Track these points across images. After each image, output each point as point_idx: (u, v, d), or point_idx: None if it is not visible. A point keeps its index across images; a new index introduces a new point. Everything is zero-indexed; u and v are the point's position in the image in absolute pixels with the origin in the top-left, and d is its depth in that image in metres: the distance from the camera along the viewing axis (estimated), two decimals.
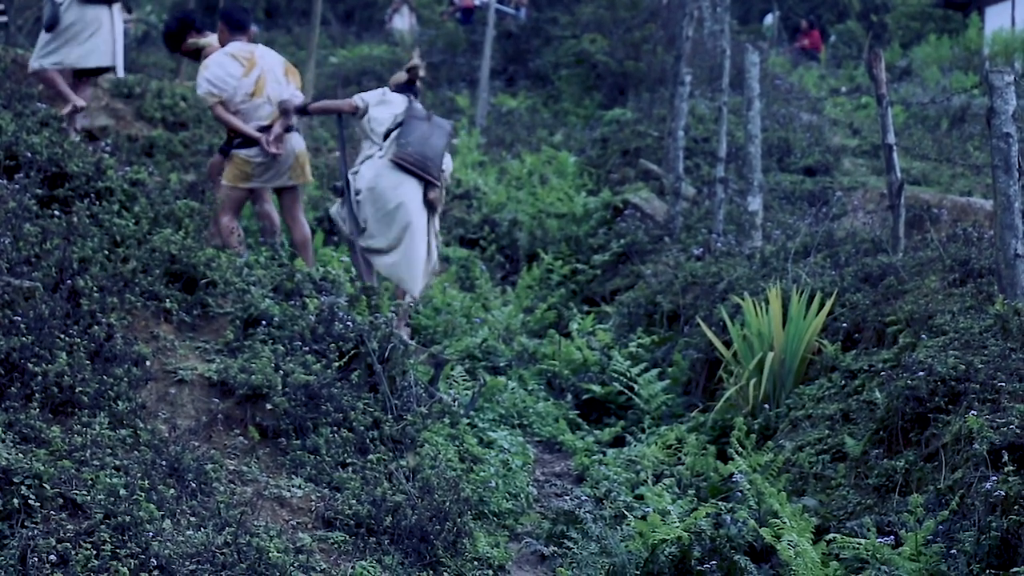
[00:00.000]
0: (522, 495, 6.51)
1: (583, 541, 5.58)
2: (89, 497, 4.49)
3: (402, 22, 24.34)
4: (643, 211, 12.69)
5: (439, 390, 7.23)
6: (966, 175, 12.72)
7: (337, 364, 6.27)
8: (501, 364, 8.89)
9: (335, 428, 5.86)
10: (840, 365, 7.01)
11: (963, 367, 5.62)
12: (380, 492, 5.38)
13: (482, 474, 6.38)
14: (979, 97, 15.58)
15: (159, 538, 4.38)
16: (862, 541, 4.81)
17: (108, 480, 4.58)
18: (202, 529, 4.62)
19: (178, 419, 5.61)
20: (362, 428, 5.94)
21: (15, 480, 4.36)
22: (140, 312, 6.12)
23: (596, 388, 8.59)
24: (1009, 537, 4.39)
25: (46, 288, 5.67)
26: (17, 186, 6.40)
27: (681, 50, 14.28)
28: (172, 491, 4.79)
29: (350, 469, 5.69)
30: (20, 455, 4.54)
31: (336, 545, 5.08)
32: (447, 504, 5.41)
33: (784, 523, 5.07)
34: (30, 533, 4.17)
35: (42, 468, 4.45)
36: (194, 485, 4.95)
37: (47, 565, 4.07)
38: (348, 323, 6.54)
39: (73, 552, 4.15)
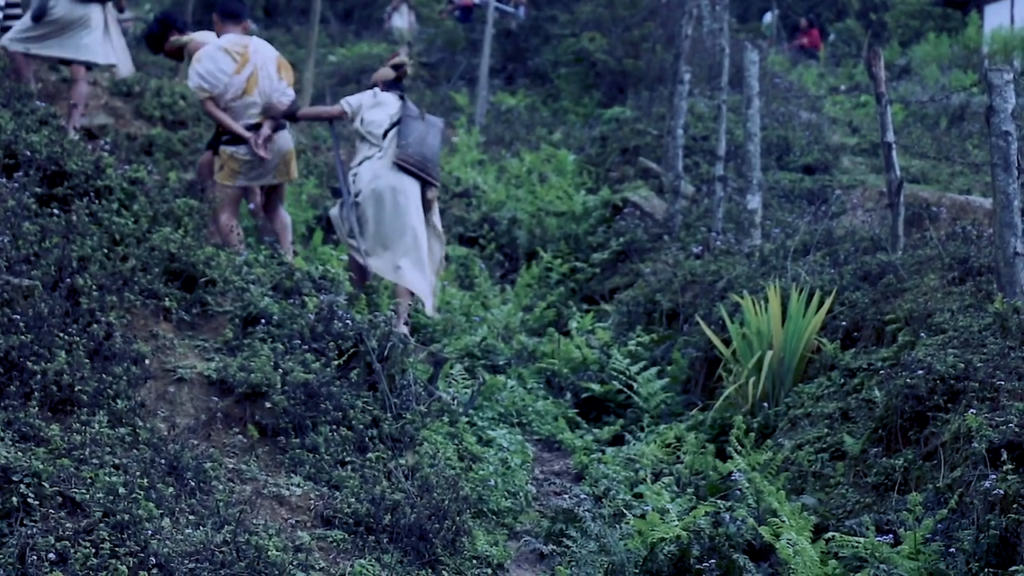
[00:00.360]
0: (521, 493, 6.51)
1: (582, 539, 5.58)
2: (88, 495, 4.49)
3: (401, 20, 24.33)
4: (642, 209, 12.69)
5: (438, 388, 7.23)
6: (965, 173, 12.72)
7: (336, 363, 6.28)
8: (500, 363, 8.89)
9: (334, 426, 5.86)
10: (839, 363, 7.02)
11: (962, 365, 5.62)
12: (379, 490, 5.38)
13: (481, 472, 6.38)
14: (978, 95, 15.58)
15: (158, 536, 4.39)
16: (861, 540, 4.81)
17: (107, 478, 4.58)
18: (201, 527, 4.62)
19: (177, 417, 5.61)
20: (361, 426, 5.94)
21: (14, 478, 4.36)
22: (139, 310, 6.12)
23: (595, 387, 8.59)
24: (1008, 536, 4.39)
25: (45, 286, 5.67)
26: (16, 184, 6.40)
27: (680, 48, 14.28)
28: (171, 489, 4.80)
29: (349, 467, 5.69)
30: (19, 453, 4.54)
31: (335, 543, 5.08)
32: (446, 502, 5.41)
33: (783, 522, 5.07)
34: (29, 531, 4.17)
35: (41, 466, 4.45)
36: (193, 483, 4.96)
37: (46, 563, 4.07)
38: (347, 322, 6.54)
39: (72, 550, 4.15)
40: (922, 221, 10.13)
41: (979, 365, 5.55)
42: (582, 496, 6.44)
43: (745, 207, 10.54)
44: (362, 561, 4.97)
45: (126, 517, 4.39)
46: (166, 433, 5.34)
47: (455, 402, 7.15)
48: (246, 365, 5.91)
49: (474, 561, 5.45)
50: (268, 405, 5.80)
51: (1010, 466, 4.62)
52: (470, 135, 15.67)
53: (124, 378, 5.43)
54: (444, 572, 5.19)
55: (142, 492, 4.58)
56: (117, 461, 4.83)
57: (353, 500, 5.31)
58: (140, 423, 5.30)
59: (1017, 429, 4.84)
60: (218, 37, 8.81)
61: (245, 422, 5.78)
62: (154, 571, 4.23)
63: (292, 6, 27.11)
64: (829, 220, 10.80)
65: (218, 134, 8.70)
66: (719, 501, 5.75)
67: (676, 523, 5.35)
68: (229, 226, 8.37)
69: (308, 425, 5.83)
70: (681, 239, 11.43)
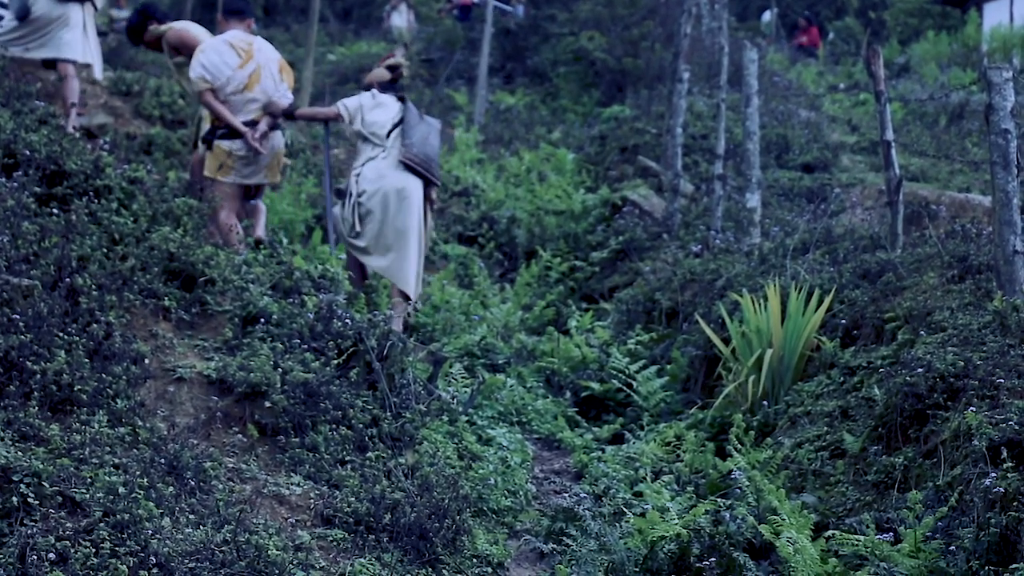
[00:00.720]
0: (521, 492, 6.51)
1: (582, 538, 5.58)
2: (88, 495, 4.49)
3: (400, 19, 24.32)
4: (641, 208, 12.69)
5: (438, 387, 7.23)
6: (964, 171, 12.72)
7: (336, 362, 6.27)
8: (500, 361, 8.89)
9: (334, 426, 5.86)
10: (839, 362, 7.02)
11: (962, 363, 5.62)
12: (379, 490, 5.38)
13: (481, 471, 6.38)
14: (977, 93, 15.57)
15: (158, 536, 4.38)
16: (861, 538, 4.81)
17: (107, 478, 4.58)
18: (201, 527, 4.62)
19: (177, 417, 5.61)
20: (361, 426, 5.94)
21: (14, 478, 4.36)
22: (139, 310, 6.12)
23: (595, 385, 8.59)
24: (1008, 533, 4.39)
25: (45, 286, 5.67)
26: (15, 184, 6.40)
27: (679, 47, 14.28)
28: (171, 489, 4.80)
29: (349, 467, 5.69)
30: (19, 453, 4.54)
31: (335, 543, 5.08)
32: (446, 501, 5.41)
33: (783, 520, 5.07)
34: (29, 531, 4.17)
35: (41, 466, 4.45)
36: (193, 483, 4.95)
37: (46, 563, 4.07)
38: (347, 321, 6.54)
39: (72, 550, 4.15)
40: (921, 219, 10.13)
41: (979, 363, 5.55)
42: (582, 495, 6.44)
43: (744, 205, 10.54)
44: (362, 560, 4.97)
45: (126, 517, 4.38)
46: (166, 433, 5.34)
47: (455, 401, 7.15)
48: (246, 364, 5.91)
49: (474, 560, 5.45)
50: (268, 404, 5.80)
51: (1010, 464, 4.62)
52: (469, 134, 15.66)
53: (124, 378, 5.43)
54: (444, 571, 5.19)
55: (142, 492, 4.58)
56: (117, 461, 4.83)
57: (353, 499, 5.31)
58: (140, 423, 5.30)
59: (1017, 427, 4.84)
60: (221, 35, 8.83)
61: (245, 421, 5.78)
62: (154, 570, 4.23)
63: (291, 5, 27.12)
64: (828, 218, 10.80)
65: (213, 129, 8.68)
66: (719, 499, 5.75)
67: (676, 521, 5.35)
68: (228, 225, 8.36)
69: (308, 424, 5.83)
70: (680, 238, 11.42)
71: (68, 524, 4.33)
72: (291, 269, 7.17)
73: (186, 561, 4.34)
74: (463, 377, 7.84)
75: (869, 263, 8.00)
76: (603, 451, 7.38)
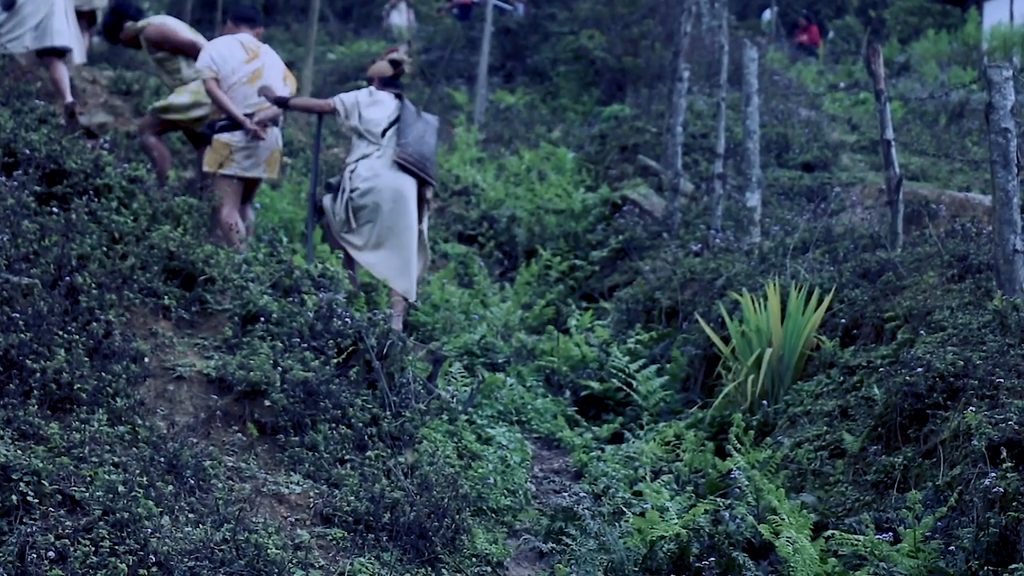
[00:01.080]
0: (520, 492, 6.51)
1: (581, 538, 5.58)
2: (88, 494, 4.50)
3: (400, 18, 24.32)
4: (641, 207, 12.69)
5: (437, 387, 7.23)
6: (964, 170, 12.71)
7: (335, 361, 6.28)
8: (500, 360, 8.89)
9: (333, 425, 5.86)
10: (838, 361, 7.02)
11: (961, 363, 5.62)
12: (378, 489, 5.38)
13: (480, 471, 6.38)
14: (977, 92, 15.56)
15: (157, 535, 4.39)
16: (860, 537, 4.82)
17: (107, 477, 4.58)
18: (200, 526, 4.62)
19: (176, 416, 5.61)
20: (360, 425, 5.94)
21: (14, 477, 4.36)
22: (138, 309, 6.12)
23: (595, 384, 8.59)
24: (1007, 533, 4.39)
25: (45, 285, 5.67)
26: (16, 183, 6.40)
27: (679, 46, 14.27)
28: (170, 488, 4.80)
29: (348, 466, 5.69)
30: (19, 452, 4.54)
31: (334, 541, 5.08)
32: (445, 500, 5.41)
33: (782, 519, 5.07)
34: (29, 529, 4.17)
35: (41, 465, 4.45)
36: (192, 482, 4.96)
37: (46, 562, 4.07)
38: (346, 320, 6.54)
39: (72, 548, 4.15)
40: (921, 218, 10.13)
41: (978, 363, 5.55)
42: (581, 494, 6.44)
43: (744, 205, 10.53)
44: (362, 559, 4.97)
45: (125, 515, 4.39)
46: (165, 431, 5.34)
47: (454, 400, 7.15)
48: (245, 363, 5.91)
49: (473, 559, 5.45)
50: (267, 403, 5.80)
51: (1010, 464, 4.62)
52: (469, 133, 15.66)
53: (123, 376, 5.43)
54: (444, 570, 5.19)
55: (141, 490, 4.58)
56: (116, 459, 4.83)
57: (352, 498, 5.31)
58: (139, 421, 5.30)
59: (1017, 427, 4.85)
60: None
61: (244, 420, 5.78)
62: (153, 569, 4.23)
63: (291, 4, 27.12)
64: (828, 218, 10.79)
65: (210, 123, 8.77)
66: (718, 499, 5.75)
67: (675, 521, 5.35)
68: (229, 223, 8.38)
69: (307, 423, 5.83)
70: (680, 237, 11.42)
71: (67, 522, 4.33)
72: (291, 268, 7.17)
73: (185, 560, 4.34)
74: (463, 376, 7.84)
75: (869, 262, 8.00)
76: (602, 450, 7.38)
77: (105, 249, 6.26)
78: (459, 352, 8.74)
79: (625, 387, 8.39)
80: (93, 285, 5.83)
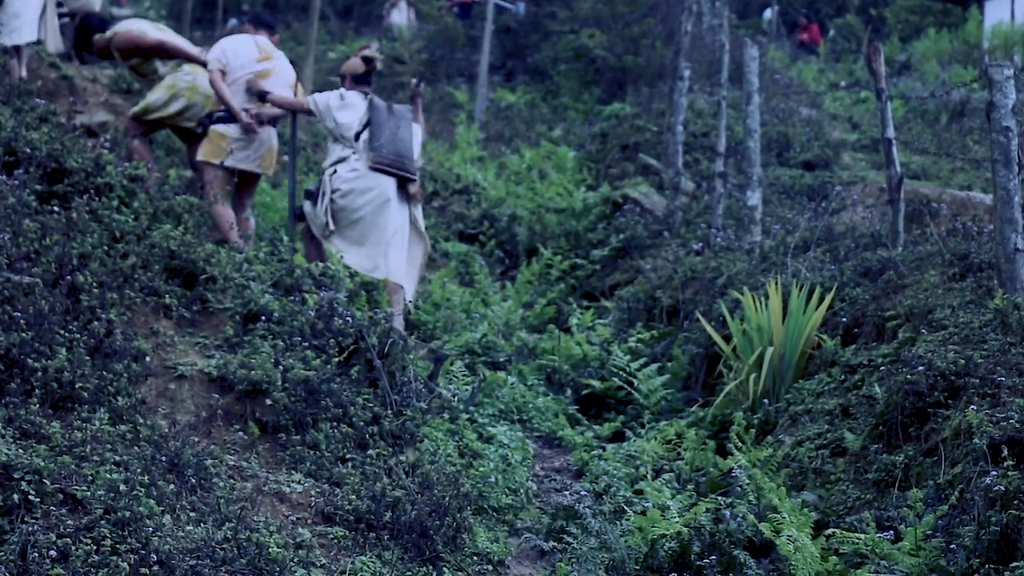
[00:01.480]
0: (521, 490, 6.51)
1: (583, 536, 5.58)
2: (89, 493, 4.50)
3: (400, 17, 24.30)
4: (642, 206, 12.68)
5: (439, 385, 7.23)
6: (966, 169, 12.70)
7: (337, 360, 6.28)
8: (501, 359, 8.89)
9: (335, 423, 5.87)
10: (840, 360, 7.02)
11: (963, 362, 5.62)
12: (380, 487, 5.38)
13: (481, 469, 6.38)
14: (978, 91, 15.55)
15: (159, 533, 4.39)
16: (861, 536, 4.82)
17: (108, 476, 4.58)
18: (202, 524, 4.62)
19: (178, 415, 5.61)
20: (362, 423, 5.95)
21: (15, 476, 4.36)
22: (140, 308, 6.13)
23: (596, 383, 8.59)
24: (1009, 532, 4.39)
25: (46, 284, 5.68)
26: (16, 182, 6.41)
27: (680, 45, 14.26)
28: (172, 487, 4.80)
29: (350, 464, 5.69)
30: (20, 451, 4.54)
31: (336, 540, 5.08)
32: (447, 499, 5.41)
33: (783, 518, 5.07)
34: (30, 528, 4.17)
35: (42, 464, 4.45)
36: (194, 481, 4.96)
37: (47, 560, 4.07)
38: (347, 318, 6.54)
39: (73, 547, 4.15)
40: (922, 217, 10.13)
41: (980, 361, 5.55)
42: (583, 493, 6.44)
43: (745, 203, 10.53)
44: (363, 558, 4.97)
45: (127, 514, 4.39)
46: (167, 430, 5.34)
47: (455, 399, 7.15)
48: (246, 362, 5.91)
49: (475, 558, 5.45)
50: (269, 402, 5.80)
51: (1011, 462, 4.62)
52: (470, 132, 15.66)
53: (125, 375, 5.43)
54: (445, 569, 5.20)
55: (143, 489, 4.58)
56: (118, 458, 4.83)
57: (354, 497, 5.31)
58: (141, 420, 5.30)
59: (1018, 425, 4.85)
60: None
61: (246, 419, 5.78)
62: (155, 568, 4.23)
63: (292, 3, 27.10)
64: (829, 216, 10.79)
65: (210, 113, 8.88)
66: (720, 497, 5.75)
67: (677, 519, 5.35)
68: (229, 221, 8.40)
69: (309, 422, 5.83)
70: (681, 235, 11.42)
71: (69, 521, 4.34)
72: (292, 267, 7.17)
73: (187, 559, 4.35)
74: (464, 375, 7.84)
75: (870, 261, 8.00)
76: (604, 449, 7.39)
77: (106, 248, 6.26)
78: (460, 351, 8.74)
79: (626, 386, 8.39)
80: (94, 284, 5.84)
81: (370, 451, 5.80)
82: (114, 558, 4.17)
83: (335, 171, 8.63)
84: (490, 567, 5.49)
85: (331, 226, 8.57)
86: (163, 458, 4.97)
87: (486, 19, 19.09)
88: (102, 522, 4.35)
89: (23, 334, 5.22)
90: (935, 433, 5.52)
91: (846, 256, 8.66)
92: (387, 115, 8.76)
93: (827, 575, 4.81)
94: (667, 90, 14.92)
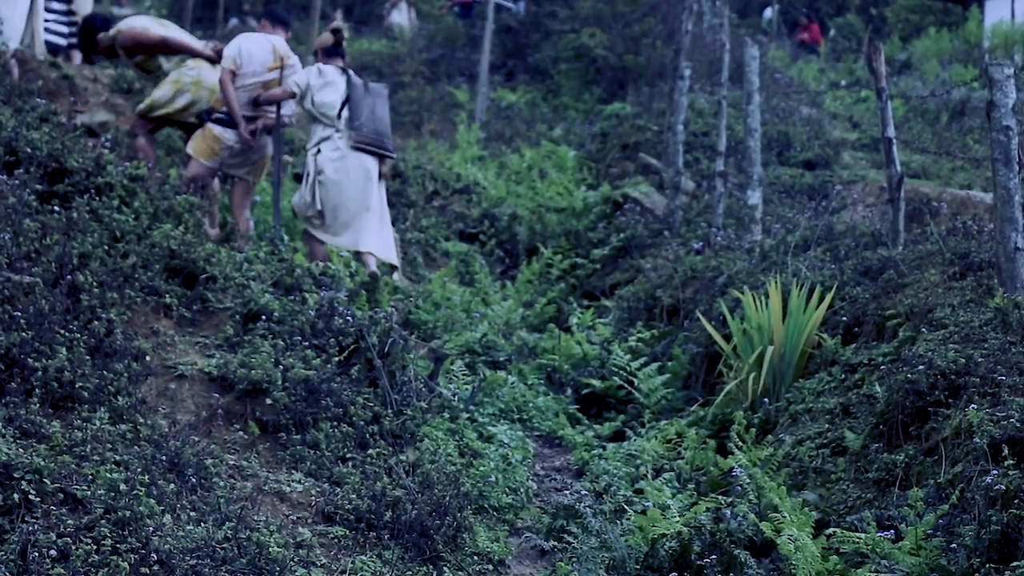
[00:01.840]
0: (522, 490, 6.51)
1: (583, 535, 5.58)
2: (89, 492, 4.50)
3: (401, 16, 24.31)
4: (643, 205, 12.68)
5: (439, 385, 7.23)
6: (966, 168, 12.70)
7: (337, 359, 6.28)
8: (501, 359, 8.88)
9: (335, 423, 5.87)
10: (840, 359, 7.01)
11: (963, 361, 5.62)
12: (380, 487, 5.38)
13: (482, 469, 6.38)
14: (979, 90, 15.55)
15: (159, 533, 4.39)
16: (862, 535, 4.82)
17: (108, 475, 4.58)
18: (202, 524, 4.62)
19: (178, 414, 5.61)
20: (362, 423, 5.95)
21: (15, 475, 4.37)
22: (140, 307, 6.13)
23: (596, 382, 8.59)
24: (1009, 531, 4.39)
25: (46, 283, 5.68)
26: (17, 182, 6.41)
27: (680, 44, 14.26)
28: (172, 486, 4.80)
29: (350, 464, 5.69)
30: (20, 450, 4.54)
31: (336, 540, 5.08)
32: (447, 499, 5.41)
33: (784, 517, 5.07)
34: (30, 528, 4.17)
35: (42, 463, 4.45)
36: (194, 480, 4.96)
37: (47, 560, 4.07)
38: (348, 318, 6.55)
39: (73, 547, 4.15)
40: (923, 216, 10.12)
41: (980, 360, 5.55)
42: (583, 492, 6.44)
43: (745, 203, 10.53)
44: (363, 557, 4.97)
45: (127, 514, 4.39)
46: (167, 430, 5.34)
47: (456, 398, 7.15)
48: (247, 362, 5.91)
49: (475, 557, 5.45)
50: (269, 402, 5.80)
51: (1011, 461, 4.62)
52: (470, 131, 15.66)
53: (125, 375, 5.43)
54: (445, 568, 5.19)
55: (143, 489, 4.58)
56: (118, 458, 4.83)
57: (354, 496, 5.31)
58: (141, 420, 5.30)
59: (1018, 424, 4.85)
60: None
61: (246, 419, 5.78)
62: (155, 567, 4.23)
63: (292, 3, 27.11)
64: (829, 215, 10.78)
65: (209, 110, 8.94)
66: (720, 497, 5.75)
67: (677, 519, 5.35)
68: (197, 176, 8.67)
69: (309, 421, 5.83)
70: (681, 235, 11.42)
71: (69, 521, 4.34)
72: (292, 266, 7.18)
73: (187, 558, 4.35)
74: (464, 374, 7.84)
75: (870, 260, 8.00)
76: (604, 448, 7.38)
77: (106, 247, 6.26)
78: (460, 350, 8.74)
79: (626, 385, 8.38)
80: (94, 284, 5.84)
81: (370, 450, 5.80)
82: (114, 558, 4.17)
83: (319, 151, 8.74)
84: (490, 567, 5.49)
85: (318, 205, 8.67)
86: (163, 458, 4.97)
87: (487, 18, 19.09)
88: (102, 521, 4.35)
89: (23, 333, 5.22)
90: (935, 432, 5.52)
91: (846, 255, 8.66)
92: (364, 92, 8.87)
93: (828, 574, 4.81)
94: (667, 89, 14.92)
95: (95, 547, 4.19)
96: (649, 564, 5.24)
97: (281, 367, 5.96)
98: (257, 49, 8.93)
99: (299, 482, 5.43)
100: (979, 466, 4.87)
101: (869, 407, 6.20)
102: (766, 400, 7.22)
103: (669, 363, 8.62)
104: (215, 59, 9.15)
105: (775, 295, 7.57)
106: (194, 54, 9.20)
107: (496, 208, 13.25)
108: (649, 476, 6.37)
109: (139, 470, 4.73)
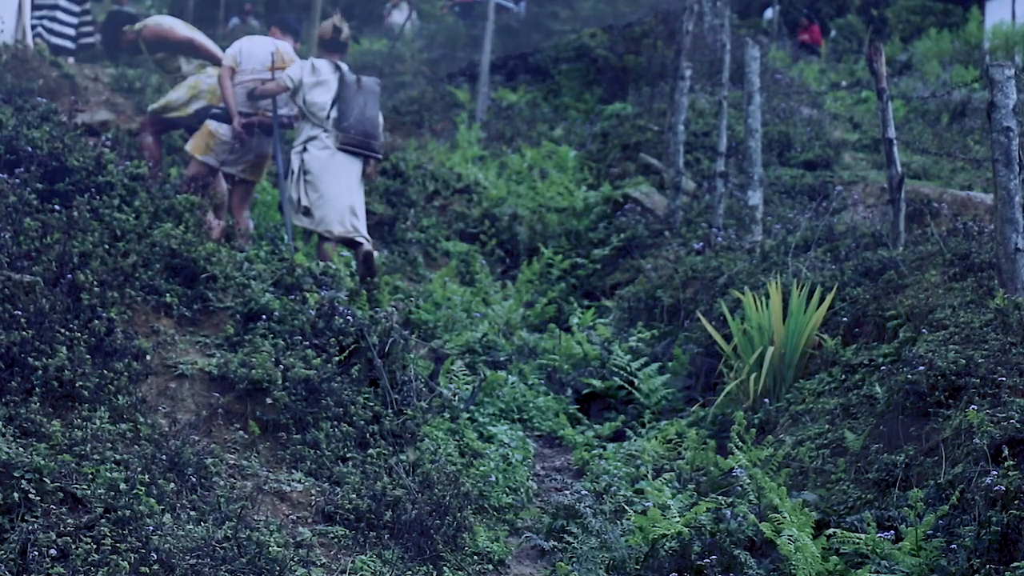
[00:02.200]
0: (522, 490, 6.51)
1: (583, 536, 5.58)
2: (89, 491, 4.50)
3: (401, 17, 24.31)
4: (643, 205, 12.68)
5: (439, 385, 7.23)
6: (966, 169, 12.70)
7: (337, 359, 6.28)
8: (501, 359, 8.88)
9: (335, 422, 5.87)
10: (840, 359, 7.01)
11: (963, 361, 5.62)
12: (380, 487, 5.38)
13: (482, 469, 6.38)
14: (979, 91, 15.54)
15: (159, 532, 4.39)
16: (862, 536, 4.81)
17: (108, 474, 4.58)
18: (202, 523, 4.62)
19: (178, 413, 5.61)
20: (362, 423, 5.95)
21: (15, 474, 4.37)
22: (140, 306, 6.13)
23: (596, 382, 8.58)
24: (1009, 532, 4.39)
25: (46, 282, 5.68)
26: (17, 180, 6.41)
27: (681, 44, 14.26)
28: (172, 485, 4.80)
29: (350, 463, 5.69)
30: (20, 449, 4.54)
31: (336, 539, 5.08)
32: (447, 499, 5.41)
33: (784, 518, 5.07)
34: (30, 527, 4.17)
35: (42, 462, 4.45)
36: (194, 479, 4.96)
37: (47, 559, 4.07)
38: (348, 317, 6.54)
39: (73, 546, 4.15)
40: (923, 217, 10.12)
41: (980, 361, 5.55)
42: (583, 492, 6.44)
43: (746, 203, 10.53)
44: (363, 557, 4.97)
45: (127, 513, 4.39)
46: (167, 429, 5.34)
47: (456, 398, 7.15)
48: (247, 361, 5.91)
49: (475, 557, 5.45)
50: (269, 401, 5.80)
51: (1011, 462, 4.62)
52: (471, 131, 15.65)
53: (125, 374, 5.43)
54: (445, 568, 5.19)
55: (143, 488, 4.58)
56: (118, 457, 4.83)
57: (354, 496, 5.31)
58: (141, 419, 5.30)
59: (1019, 425, 4.85)
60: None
61: (246, 418, 5.78)
62: (155, 567, 4.23)
63: (293, 2, 27.10)
64: (830, 216, 10.78)
65: (207, 107, 9.03)
66: (720, 497, 5.75)
67: (677, 519, 5.35)
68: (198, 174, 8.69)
69: (309, 421, 5.84)
70: (682, 235, 11.42)
71: (69, 520, 4.34)
72: (293, 266, 7.18)
73: (187, 557, 4.35)
74: (464, 374, 7.84)
75: (871, 261, 8.00)
76: (604, 448, 7.38)
77: (107, 247, 6.26)
78: (461, 350, 8.74)
79: (627, 385, 8.38)
80: (95, 283, 5.84)
81: (370, 450, 5.80)
82: (114, 557, 4.17)
83: (305, 149, 8.75)
84: (490, 567, 5.49)
85: (304, 201, 8.71)
86: (163, 457, 4.97)
87: (487, 18, 19.09)
88: (102, 521, 4.35)
89: (24, 332, 5.22)
90: (936, 433, 5.52)
91: (847, 256, 8.66)
92: (356, 90, 8.88)
93: (828, 575, 4.81)
94: (668, 90, 14.92)
95: (95, 546, 4.19)
96: (649, 564, 5.24)
97: (281, 367, 5.96)
98: (259, 49, 8.99)
99: (299, 482, 5.43)
100: (979, 467, 4.87)
101: (869, 408, 6.19)
102: (766, 400, 7.22)
103: (669, 363, 8.62)
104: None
105: (775, 295, 7.57)
106: (215, 61, 9.26)
107: (497, 208, 13.24)
108: (649, 476, 6.37)
109: (139, 469, 4.74)
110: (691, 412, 7.81)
